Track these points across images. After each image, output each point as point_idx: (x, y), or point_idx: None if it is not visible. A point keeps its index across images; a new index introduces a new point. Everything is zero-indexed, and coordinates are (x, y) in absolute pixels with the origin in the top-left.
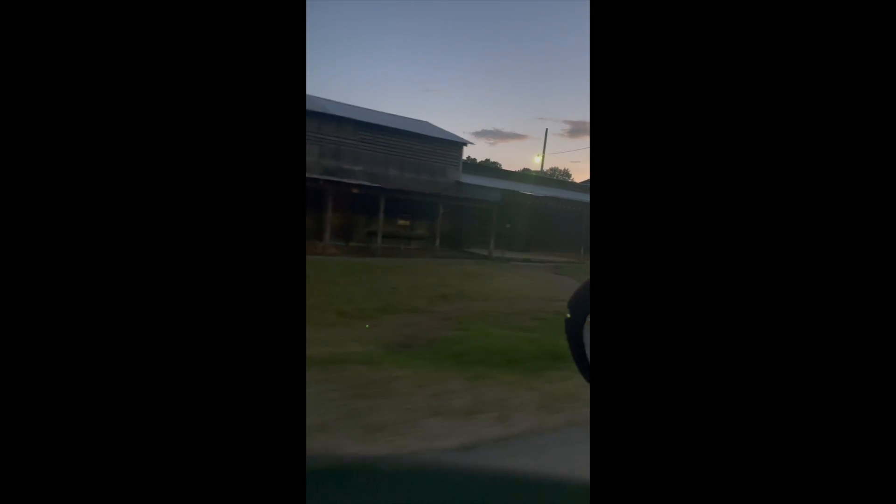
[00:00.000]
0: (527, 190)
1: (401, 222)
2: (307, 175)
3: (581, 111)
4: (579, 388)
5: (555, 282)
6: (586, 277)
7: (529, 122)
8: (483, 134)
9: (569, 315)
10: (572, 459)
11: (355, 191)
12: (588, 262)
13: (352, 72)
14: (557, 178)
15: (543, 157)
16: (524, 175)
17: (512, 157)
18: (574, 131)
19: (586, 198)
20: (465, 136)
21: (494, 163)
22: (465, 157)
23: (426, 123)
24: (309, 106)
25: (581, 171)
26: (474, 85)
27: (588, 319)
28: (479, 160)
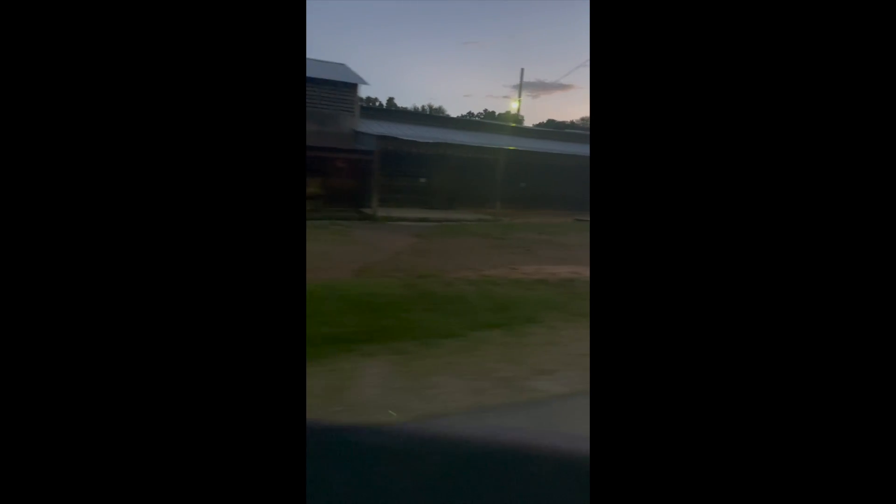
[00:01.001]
0: (426, 137)
1: None
2: None
3: None
4: None
5: (359, 246)
6: (444, 239)
7: (576, 69)
8: (525, 87)
9: None
10: None
11: None
12: (505, 219)
13: (383, 26)
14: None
15: (520, 101)
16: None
17: (554, 111)
18: None
19: (517, 143)
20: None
21: (518, 115)
22: (482, 110)
23: (342, 67)
24: None
25: None
26: (516, 35)
27: None
28: (497, 113)
